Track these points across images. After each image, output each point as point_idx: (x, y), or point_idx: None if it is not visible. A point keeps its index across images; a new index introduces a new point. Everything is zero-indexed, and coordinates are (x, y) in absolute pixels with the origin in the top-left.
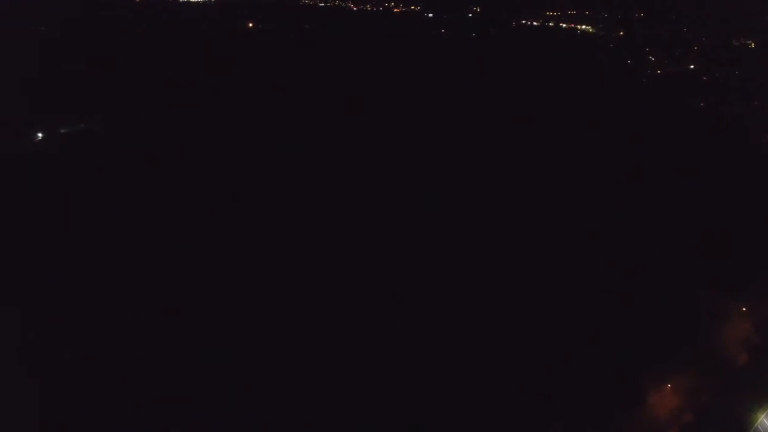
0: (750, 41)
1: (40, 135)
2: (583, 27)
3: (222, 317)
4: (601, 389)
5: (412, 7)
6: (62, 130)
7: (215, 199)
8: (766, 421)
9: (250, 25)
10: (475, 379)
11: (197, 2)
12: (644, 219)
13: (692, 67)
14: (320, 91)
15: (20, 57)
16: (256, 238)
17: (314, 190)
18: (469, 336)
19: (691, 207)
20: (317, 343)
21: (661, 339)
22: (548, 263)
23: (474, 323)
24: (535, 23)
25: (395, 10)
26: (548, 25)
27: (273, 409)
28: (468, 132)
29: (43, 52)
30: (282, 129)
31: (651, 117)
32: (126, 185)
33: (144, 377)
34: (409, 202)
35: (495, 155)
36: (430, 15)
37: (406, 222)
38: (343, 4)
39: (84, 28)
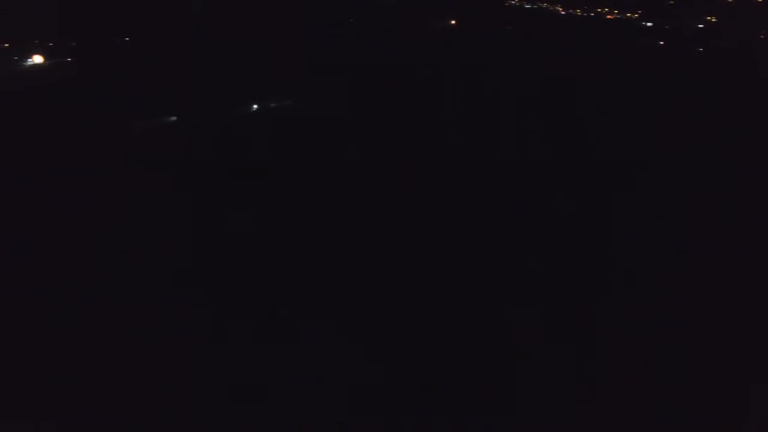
0: None
1: (255, 106)
2: None
3: None
4: None
5: (629, 15)
6: (271, 105)
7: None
8: None
9: (453, 22)
10: None
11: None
12: None
13: None
14: (516, 95)
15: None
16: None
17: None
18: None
19: None
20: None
21: None
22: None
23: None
24: None
25: (608, 16)
26: None
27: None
28: (679, 155)
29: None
30: (476, 129)
31: None
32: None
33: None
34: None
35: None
36: (649, 24)
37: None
38: (551, 7)
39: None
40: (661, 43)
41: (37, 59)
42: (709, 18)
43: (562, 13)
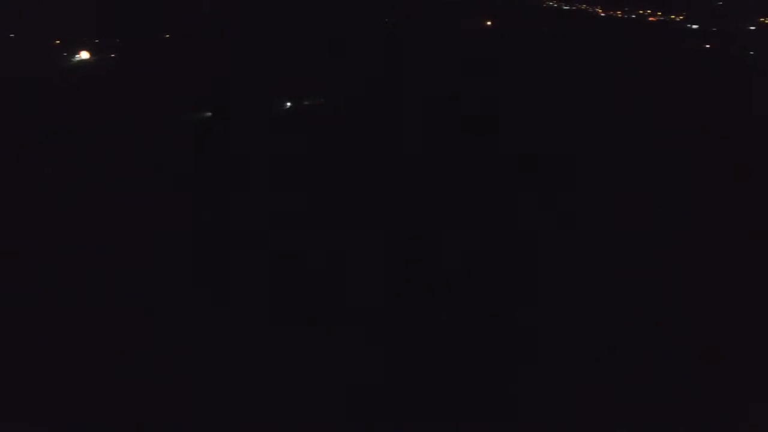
0: None
1: (288, 104)
2: None
3: None
4: None
5: (673, 17)
6: (305, 102)
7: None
8: None
9: (489, 23)
10: None
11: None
12: None
13: None
14: (551, 99)
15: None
16: None
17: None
18: None
19: None
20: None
21: None
22: None
23: None
24: None
25: (650, 18)
26: None
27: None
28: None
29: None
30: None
31: None
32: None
33: None
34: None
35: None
36: (695, 26)
37: None
38: (590, 9)
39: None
40: (707, 46)
41: (84, 55)
42: (762, 20)
43: (602, 14)
